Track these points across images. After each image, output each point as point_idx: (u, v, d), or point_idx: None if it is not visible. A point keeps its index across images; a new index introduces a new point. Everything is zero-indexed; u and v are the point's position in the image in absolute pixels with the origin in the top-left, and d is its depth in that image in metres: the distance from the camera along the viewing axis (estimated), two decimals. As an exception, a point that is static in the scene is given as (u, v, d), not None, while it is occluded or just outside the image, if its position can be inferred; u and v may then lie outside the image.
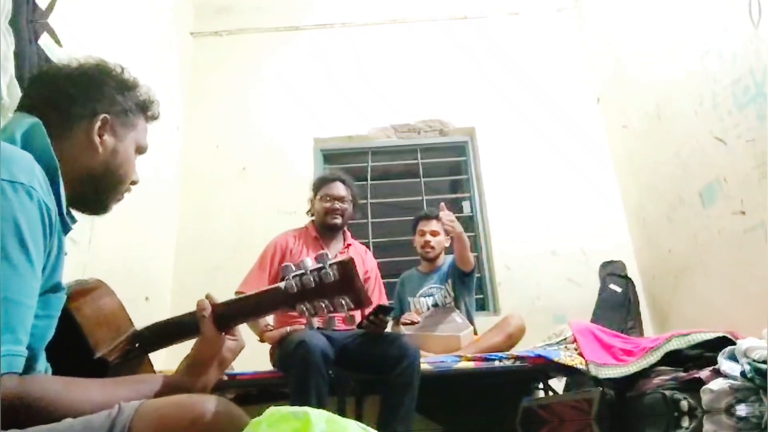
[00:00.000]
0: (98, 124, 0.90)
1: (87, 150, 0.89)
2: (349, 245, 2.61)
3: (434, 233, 2.92)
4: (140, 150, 0.98)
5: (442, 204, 2.61)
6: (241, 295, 0.88)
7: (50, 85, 0.91)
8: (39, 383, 0.74)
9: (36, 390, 0.71)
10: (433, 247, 2.92)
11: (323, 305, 0.81)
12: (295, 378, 2.06)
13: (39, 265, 0.72)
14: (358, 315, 2.48)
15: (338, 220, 2.52)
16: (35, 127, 0.84)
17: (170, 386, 0.83)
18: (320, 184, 2.63)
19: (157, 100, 1.01)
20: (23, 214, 0.70)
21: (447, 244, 2.97)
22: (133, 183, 0.98)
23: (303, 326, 2.26)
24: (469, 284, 2.87)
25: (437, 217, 2.95)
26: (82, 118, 0.89)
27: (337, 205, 2.52)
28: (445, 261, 2.97)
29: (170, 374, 0.86)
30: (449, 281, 2.88)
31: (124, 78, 0.97)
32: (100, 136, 0.90)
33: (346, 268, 0.79)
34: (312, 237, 2.56)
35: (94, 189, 0.91)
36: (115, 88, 0.94)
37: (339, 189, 2.55)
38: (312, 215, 2.65)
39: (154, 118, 1.02)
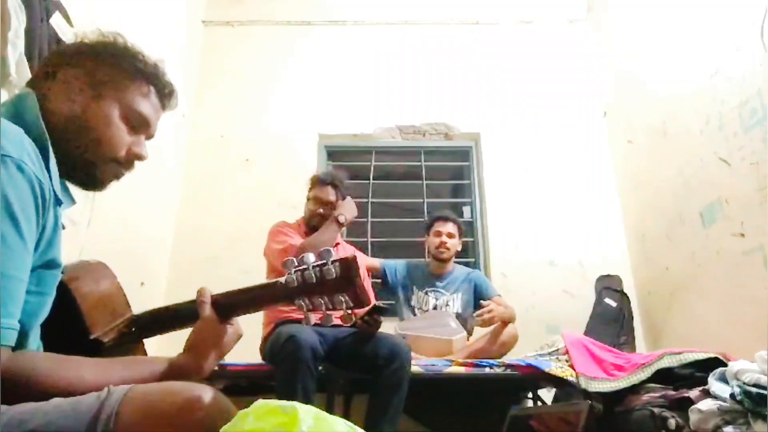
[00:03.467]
0: (76, 71, 0.86)
1: (64, 101, 0.84)
2: (337, 244, 2.60)
3: (450, 235, 2.92)
4: (132, 118, 0.89)
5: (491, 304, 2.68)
6: (240, 288, 0.88)
7: (51, 55, 0.90)
8: (31, 359, 0.73)
9: (27, 365, 0.71)
10: (448, 248, 2.91)
11: (322, 302, 0.81)
12: (282, 373, 2.06)
13: (31, 240, 0.71)
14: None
15: None
16: (24, 99, 0.83)
17: (171, 367, 0.83)
18: (312, 184, 2.61)
19: (167, 76, 0.94)
20: (13, 187, 0.69)
21: (459, 249, 2.97)
22: (136, 158, 0.90)
23: (294, 318, 2.26)
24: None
25: (454, 220, 2.96)
26: (67, 66, 0.87)
27: (324, 211, 2.51)
28: (455, 270, 2.97)
29: (170, 357, 0.86)
30: (460, 295, 2.87)
31: (125, 43, 0.91)
32: (78, 86, 0.86)
33: (349, 266, 0.79)
34: (302, 232, 2.56)
35: (75, 148, 0.84)
36: (110, 47, 0.90)
37: (329, 194, 2.53)
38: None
39: (163, 93, 0.94)
